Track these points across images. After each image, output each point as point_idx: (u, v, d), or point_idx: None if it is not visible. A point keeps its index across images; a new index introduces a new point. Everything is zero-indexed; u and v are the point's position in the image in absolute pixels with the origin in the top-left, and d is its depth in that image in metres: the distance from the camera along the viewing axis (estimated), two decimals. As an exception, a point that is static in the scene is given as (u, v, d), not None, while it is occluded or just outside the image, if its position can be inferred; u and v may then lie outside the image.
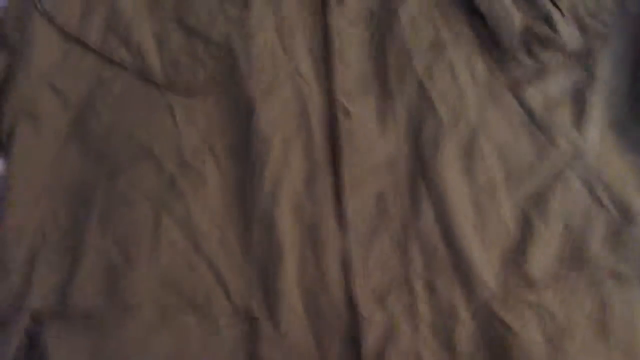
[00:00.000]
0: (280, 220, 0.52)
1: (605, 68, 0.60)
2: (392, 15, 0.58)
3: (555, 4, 0.59)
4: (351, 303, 0.52)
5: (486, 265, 0.54)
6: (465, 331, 0.53)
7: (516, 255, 0.55)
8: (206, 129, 0.55)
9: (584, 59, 0.60)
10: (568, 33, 0.58)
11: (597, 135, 0.59)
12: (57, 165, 0.53)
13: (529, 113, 0.58)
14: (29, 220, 0.51)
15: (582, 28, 0.59)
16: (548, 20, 0.58)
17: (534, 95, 0.59)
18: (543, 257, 0.55)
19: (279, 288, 0.51)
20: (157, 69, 0.54)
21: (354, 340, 0.52)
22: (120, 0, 0.55)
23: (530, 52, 0.58)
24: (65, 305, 0.51)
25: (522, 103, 0.59)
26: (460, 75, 0.58)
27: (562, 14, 0.58)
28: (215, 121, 0.55)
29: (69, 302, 0.51)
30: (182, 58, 0.55)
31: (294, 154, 0.55)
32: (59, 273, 0.51)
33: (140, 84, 0.55)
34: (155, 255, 0.52)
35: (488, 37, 0.59)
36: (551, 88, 0.59)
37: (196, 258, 0.52)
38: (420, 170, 0.56)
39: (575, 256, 0.55)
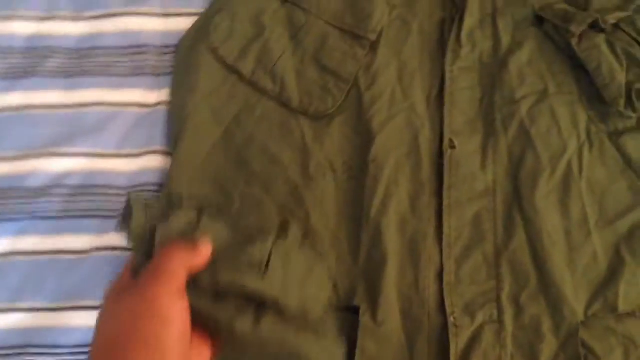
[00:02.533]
0: (387, 230, 0.60)
1: None
2: (502, 65, 0.66)
3: None
4: (442, 309, 0.58)
5: (574, 292, 0.58)
6: (549, 350, 0.56)
7: (606, 287, 0.58)
8: (329, 148, 0.64)
9: None
10: None
11: None
12: (207, 165, 0.64)
13: (627, 160, 0.63)
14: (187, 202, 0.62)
15: None
16: None
17: (633, 145, 0.63)
18: (632, 290, 0.58)
19: (380, 285, 0.58)
20: (294, 97, 0.65)
21: (441, 343, 0.57)
22: (271, 41, 0.67)
23: (631, 105, 0.63)
24: None
25: (620, 150, 0.63)
26: (560, 120, 0.64)
27: None
28: (338, 143, 0.64)
29: None
30: (315, 89, 0.65)
31: (403, 176, 0.62)
32: None
33: (278, 108, 0.65)
34: None
35: (590, 89, 0.65)
36: None
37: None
38: (517, 200, 0.61)
39: None
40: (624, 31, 0.66)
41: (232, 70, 0.66)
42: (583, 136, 0.64)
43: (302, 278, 0.49)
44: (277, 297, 0.47)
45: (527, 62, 0.66)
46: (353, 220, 0.61)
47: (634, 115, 0.63)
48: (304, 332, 0.48)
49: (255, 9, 0.68)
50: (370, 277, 0.59)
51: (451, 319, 0.57)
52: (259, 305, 0.46)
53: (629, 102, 0.63)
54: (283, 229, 0.52)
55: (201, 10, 0.70)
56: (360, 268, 0.60)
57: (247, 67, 0.66)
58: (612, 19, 0.64)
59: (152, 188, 0.64)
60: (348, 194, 0.62)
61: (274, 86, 0.65)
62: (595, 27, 0.65)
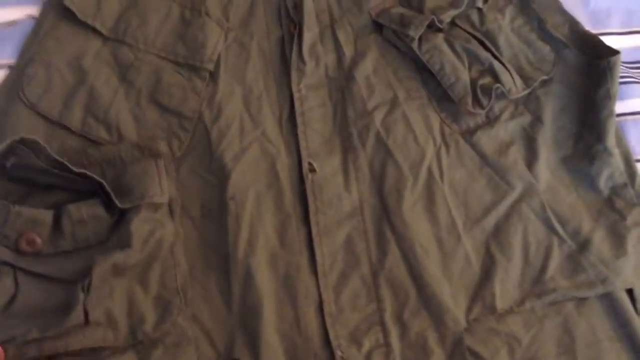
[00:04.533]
0: (258, 270, 0.56)
1: (551, 111, 0.66)
2: (348, 77, 0.64)
3: (496, 57, 0.65)
4: (327, 343, 0.56)
5: (453, 299, 0.57)
6: None
7: (482, 288, 0.59)
8: (182, 194, 0.59)
9: (530, 104, 0.66)
10: (510, 82, 0.64)
11: (548, 172, 0.64)
12: None
13: (483, 157, 0.63)
14: None
15: (525, 77, 0.65)
16: (491, 72, 0.64)
17: (486, 141, 0.64)
18: (506, 287, 0.59)
19: (259, 331, 0.54)
20: (134, 144, 0.59)
21: None
22: (97, 87, 0.60)
23: (478, 102, 0.63)
24: None
25: (475, 148, 0.64)
26: (415, 126, 0.63)
27: (504, 65, 0.64)
28: (192, 186, 0.59)
29: None
30: (158, 133, 0.60)
31: (266, 209, 0.59)
32: None
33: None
34: None
35: (438, 90, 0.64)
36: (501, 133, 0.64)
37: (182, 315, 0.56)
38: (385, 216, 0.60)
39: (535, 284, 0.59)
40: (460, 27, 0.66)
41: (58, 125, 0.59)
42: (439, 139, 0.63)
43: None
44: None
45: (372, 71, 0.65)
46: (222, 267, 0.57)
47: (482, 111, 0.63)
48: None
49: (73, 53, 0.61)
50: (248, 324, 0.55)
51: (338, 353, 0.55)
52: None
53: (476, 99, 0.63)
54: None
55: (9, 61, 0.62)
56: (236, 316, 0.56)
57: (74, 119, 0.59)
58: (447, 17, 0.65)
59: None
60: (210, 238, 0.58)
61: (110, 135, 0.59)
62: (432, 27, 0.64)
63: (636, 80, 0.70)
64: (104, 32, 0.61)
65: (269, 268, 0.57)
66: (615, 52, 0.64)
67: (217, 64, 0.62)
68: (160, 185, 0.56)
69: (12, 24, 0.64)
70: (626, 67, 0.70)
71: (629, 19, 0.75)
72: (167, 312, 0.53)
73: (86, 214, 0.53)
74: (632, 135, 0.67)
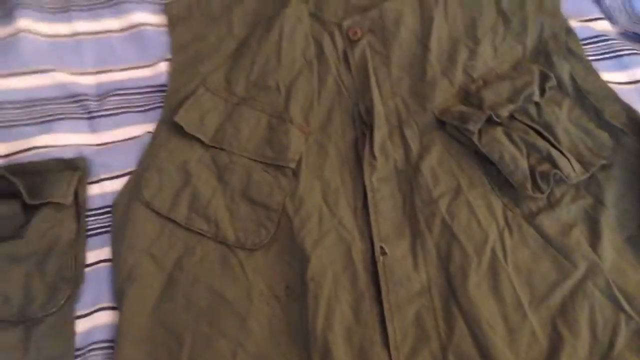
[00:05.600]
0: (334, 344, 0.62)
1: (613, 194, 0.69)
2: (416, 169, 0.71)
3: (554, 145, 0.70)
4: None
5: None
6: None
7: None
8: (269, 276, 0.67)
9: (592, 188, 0.70)
10: (569, 167, 0.68)
11: (613, 252, 0.66)
12: (156, 313, 0.66)
13: (546, 238, 0.67)
14: (136, 356, 0.64)
15: (584, 162, 0.69)
16: (549, 159, 0.69)
17: (549, 223, 0.68)
18: None
19: None
20: (230, 234, 0.68)
21: None
22: (199, 186, 0.71)
23: (538, 187, 0.68)
24: None
25: (538, 230, 0.68)
26: (478, 211, 0.68)
27: (562, 152, 0.69)
28: (277, 270, 0.67)
29: None
30: (248, 224, 0.69)
31: (342, 289, 0.65)
32: None
33: (216, 247, 0.68)
34: None
35: (499, 178, 0.70)
36: (563, 215, 0.68)
37: None
38: (452, 294, 0.64)
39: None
40: (518, 120, 0.72)
41: (168, 219, 0.70)
42: (502, 222, 0.68)
43: None
44: None
45: (437, 163, 0.71)
46: (303, 341, 0.63)
47: (542, 195, 0.68)
48: None
49: (180, 159, 0.72)
50: None
51: None
52: None
53: (535, 185, 0.68)
54: None
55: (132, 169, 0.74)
56: None
57: (180, 214, 0.70)
58: (504, 112, 0.71)
59: (103, 345, 0.65)
60: (294, 316, 0.65)
61: (209, 227, 0.69)
62: (491, 121, 0.71)
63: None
64: (206, 141, 0.73)
65: (344, 342, 0.63)
66: None
67: (299, 163, 0.72)
68: (67, 191, 0.69)
69: (134, 138, 0.77)
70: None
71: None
72: (54, 295, 0.65)
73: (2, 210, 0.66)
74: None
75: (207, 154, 0.73)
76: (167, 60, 0.80)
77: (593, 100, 0.74)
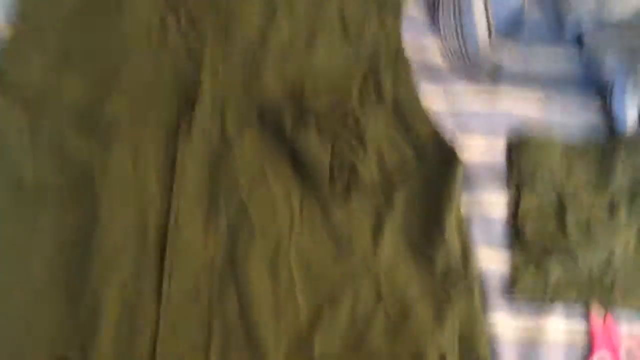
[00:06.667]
0: (106, 291, 0.67)
1: (403, 199, 0.75)
2: (228, 150, 0.75)
3: (358, 149, 0.75)
4: None
5: (276, 346, 0.66)
6: None
7: (304, 340, 0.67)
8: (62, 223, 0.71)
9: (385, 189, 0.76)
10: (368, 173, 0.74)
11: (390, 249, 0.73)
12: None
13: (332, 226, 0.73)
14: None
15: (385, 172, 0.76)
16: (350, 160, 0.74)
17: (339, 213, 0.74)
18: (328, 342, 0.67)
19: (93, 342, 0.65)
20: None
21: None
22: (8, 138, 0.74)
23: (334, 182, 0.74)
24: None
25: (329, 220, 0.73)
26: (276, 198, 0.74)
27: (365, 157, 0.75)
28: (69, 215, 0.71)
29: None
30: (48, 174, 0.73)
31: (130, 243, 0.70)
32: None
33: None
34: None
35: (303, 172, 0.75)
36: (355, 209, 0.74)
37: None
38: (232, 269, 0.70)
39: (357, 343, 0.68)
40: (335, 119, 0.77)
41: None
42: (297, 210, 0.73)
43: None
44: None
45: (249, 147, 0.76)
46: (76, 286, 0.68)
47: (337, 191, 0.73)
48: None
49: None
50: (86, 335, 0.66)
51: None
52: None
53: (332, 180, 0.74)
54: None
55: None
56: (78, 330, 0.67)
57: None
58: (323, 108, 0.76)
59: None
60: (74, 262, 0.69)
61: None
62: (307, 116, 0.76)
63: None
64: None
65: (117, 291, 0.68)
66: (459, 162, 0.75)
67: (117, 123, 0.75)
68: None
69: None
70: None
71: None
72: None
73: None
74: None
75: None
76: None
77: (407, 116, 0.79)
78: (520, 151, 0.80)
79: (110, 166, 0.73)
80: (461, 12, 0.83)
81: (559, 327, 0.74)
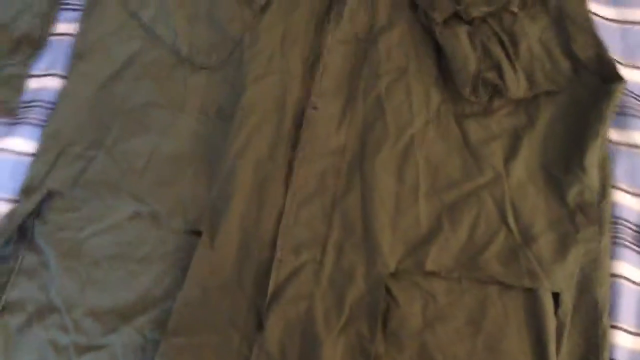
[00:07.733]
0: (241, 170, 0.68)
1: (547, 118, 0.71)
2: (374, 41, 0.73)
3: (510, 57, 0.70)
4: (274, 246, 0.66)
5: (391, 248, 0.65)
6: (357, 292, 0.64)
7: (419, 247, 0.66)
8: (206, 96, 0.72)
9: (530, 109, 0.71)
10: (514, 84, 0.69)
11: (523, 172, 0.69)
12: (98, 95, 0.73)
13: (466, 141, 0.70)
14: (69, 120, 0.72)
15: (533, 83, 0.71)
16: (498, 69, 0.70)
17: (476, 129, 0.70)
18: (442, 254, 0.65)
19: (224, 217, 0.66)
20: (185, 46, 0.73)
21: (266, 274, 0.65)
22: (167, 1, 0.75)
23: (476, 92, 0.70)
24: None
25: (462, 131, 0.70)
26: (413, 97, 0.71)
27: (514, 67, 0.70)
28: (215, 91, 0.72)
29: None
30: (203, 43, 0.73)
31: (267, 126, 0.70)
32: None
33: (169, 55, 0.74)
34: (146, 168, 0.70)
35: (446, 73, 0.72)
36: (493, 126, 0.70)
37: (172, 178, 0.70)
38: (360, 162, 0.69)
39: (471, 260, 0.65)
40: (488, 24, 0.72)
41: (133, 16, 0.75)
42: (432, 114, 0.71)
43: None
44: None
45: (396, 41, 0.73)
46: (216, 157, 0.69)
47: (477, 100, 0.70)
48: None
49: None
50: (218, 208, 0.67)
51: (278, 254, 0.65)
52: None
53: (475, 89, 0.70)
54: None
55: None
56: (211, 199, 0.68)
57: (148, 13, 0.75)
58: (474, 11, 0.71)
59: (47, 105, 0.73)
60: (216, 134, 0.70)
61: (168, 33, 0.74)
62: (459, 17, 0.71)
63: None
64: None
65: (251, 172, 0.68)
66: (620, 79, 0.67)
67: (268, 3, 0.74)
68: None
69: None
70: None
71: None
72: (17, 50, 0.74)
73: None
74: (621, 164, 0.71)
75: None
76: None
77: (569, 26, 0.73)
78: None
79: (260, 38, 0.73)
80: None
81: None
